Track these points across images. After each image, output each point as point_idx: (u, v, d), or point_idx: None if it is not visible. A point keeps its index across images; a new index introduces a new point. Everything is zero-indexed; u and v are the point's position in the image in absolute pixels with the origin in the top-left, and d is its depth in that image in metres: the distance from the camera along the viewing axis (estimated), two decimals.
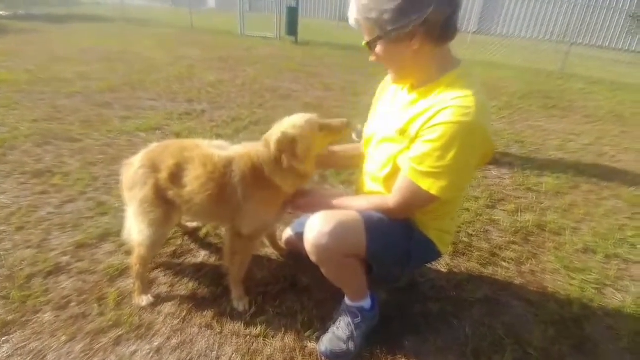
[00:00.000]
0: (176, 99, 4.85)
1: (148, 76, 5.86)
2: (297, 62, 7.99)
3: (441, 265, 2.12)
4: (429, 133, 1.23)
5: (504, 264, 2.18)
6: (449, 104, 1.21)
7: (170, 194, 1.62)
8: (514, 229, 2.50)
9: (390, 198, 1.39)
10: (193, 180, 1.58)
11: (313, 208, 1.49)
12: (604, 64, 11.63)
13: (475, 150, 1.25)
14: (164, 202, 1.63)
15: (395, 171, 1.39)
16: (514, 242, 2.38)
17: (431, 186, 1.26)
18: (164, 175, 1.60)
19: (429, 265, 2.08)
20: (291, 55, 8.89)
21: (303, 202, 1.60)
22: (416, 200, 1.34)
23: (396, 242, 1.41)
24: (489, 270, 2.12)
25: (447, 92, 1.25)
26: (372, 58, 1.35)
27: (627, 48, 18.88)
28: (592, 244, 2.42)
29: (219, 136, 3.70)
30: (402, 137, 1.34)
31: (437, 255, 1.54)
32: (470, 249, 2.27)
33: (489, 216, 2.64)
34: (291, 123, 1.52)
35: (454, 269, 2.10)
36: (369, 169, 1.57)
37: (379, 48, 1.27)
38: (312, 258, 1.38)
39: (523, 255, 2.26)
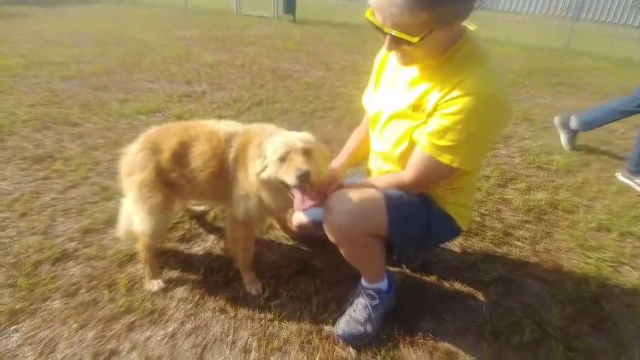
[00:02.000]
0: (175, 81, 4.72)
1: (143, 58, 5.69)
2: (296, 42, 7.77)
3: (454, 245, 2.08)
4: (447, 106, 1.19)
5: (518, 243, 2.15)
6: (465, 75, 1.18)
7: (173, 175, 1.56)
8: (526, 208, 2.46)
9: (406, 173, 1.35)
10: (198, 156, 1.53)
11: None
12: (609, 40, 11.34)
13: (496, 119, 1.24)
14: (165, 186, 1.56)
15: (411, 147, 1.34)
16: (527, 221, 2.34)
17: (452, 159, 1.23)
18: (165, 155, 1.55)
19: (442, 246, 2.05)
20: (289, 35, 8.64)
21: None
22: (435, 174, 1.31)
23: (417, 219, 1.37)
24: (503, 250, 2.09)
25: (460, 63, 1.21)
26: (400, 54, 1.23)
27: (630, 23, 18.43)
28: (606, 222, 2.39)
29: (221, 118, 3.58)
30: (417, 112, 1.29)
31: (456, 231, 1.50)
32: (483, 228, 2.23)
33: (501, 195, 2.59)
34: (289, 142, 1.32)
35: (467, 249, 2.06)
36: (379, 148, 1.51)
37: (423, 41, 1.11)
38: (332, 238, 1.33)
39: (537, 234, 2.22)
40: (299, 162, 1.26)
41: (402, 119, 1.34)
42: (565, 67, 7.16)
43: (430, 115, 1.25)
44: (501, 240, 2.15)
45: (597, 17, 18.79)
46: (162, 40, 7.15)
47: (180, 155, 1.55)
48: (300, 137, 1.36)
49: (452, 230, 1.47)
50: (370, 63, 1.60)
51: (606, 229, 2.34)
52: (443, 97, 1.20)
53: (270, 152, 1.33)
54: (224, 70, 5.34)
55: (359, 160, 1.78)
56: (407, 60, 1.26)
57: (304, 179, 1.23)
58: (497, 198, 2.55)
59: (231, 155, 1.51)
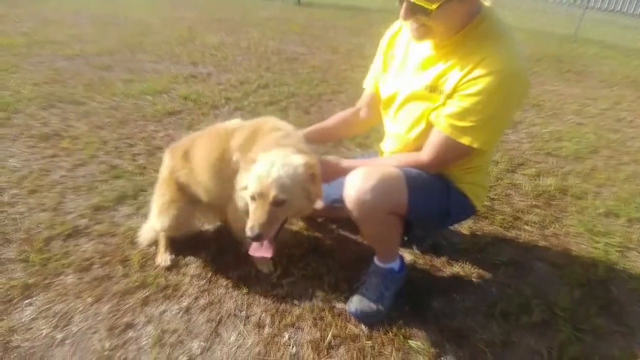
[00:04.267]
0: (179, 62, 4.66)
1: (146, 38, 5.61)
2: (301, 25, 7.65)
3: (464, 228, 2.09)
4: (468, 87, 1.18)
5: (527, 227, 2.15)
6: (486, 53, 1.16)
7: (183, 172, 1.62)
8: (535, 193, 2.45)
9: (424, 154, 1.34)
10: (202, 147, 1.56)
11: (339, 175, 1.43)
12: (617, 29, 11.17)
13: (516, 98, 1.25)
14: (174, 185, 1.66)
15: (428, 129, 1.33)
16: (536, 206, 2.34)
17: (473, 140, 1.23)
18: (179, 154, 1.64)
19: (451, 229, 2.06)
20: (294, 17, 8.50)
21: (325, 171, 1.50)
22: (454, 155, 1.31)
23: (436, 197, 1.37)
24: (512, 234, 2.09)
25: (480, 41, 1.20)
26: (415, 25, 1.21)
27: (638, 13, 18.07)
28: (614, 208, 2.39)
29: (228, 99, 3.57)
30: (433, 93, 1.28)
31: (472, 210, 1.51)
32: (492, 212, 2.23)
33: (510, 180, 2.58)
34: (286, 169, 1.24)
35: (476, 232, 2.07)
36: (394, 130, 1.50)
37: (440, 11, 1.11)
38: (354, 215, 1.32)
39: (546, 219, 2.23)
40: (259, 219, 1.20)
41: (418, 100, 1.33)
42: (574, 54, 7.07)
43: (449, 96, 1.23)
44: (510, 224, 2.16)
45: (605, 6, 18.44)
46: (163, 21, 7.04)
47: (189, 150, 1.62)
48: (281, 175, 1.21)
49: (468, 209, 1.48)
50: (377, 47, 1.59)
51: (614, 214, 2.34)
52: (464, 77, 1.19)
53: (247, 182, 1.26)
54: (229, 52, 5.27)
55: (324, 140, 1.84)
56: (421, 33, 1.23)
57: (254, 240, 1.22)
58: (507, 183, 2.55)
59: (234, 143, 1.46)
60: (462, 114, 1.20)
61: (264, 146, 1.36)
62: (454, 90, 1.20)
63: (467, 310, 1.60)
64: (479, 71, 1.15)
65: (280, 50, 5.58)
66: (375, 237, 1.47)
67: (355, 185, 1.27)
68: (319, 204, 1.85)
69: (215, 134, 1.57)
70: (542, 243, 2.05)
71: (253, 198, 1.24)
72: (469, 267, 1.82)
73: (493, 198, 2.37)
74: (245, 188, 1.32)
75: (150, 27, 6.40)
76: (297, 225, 2.03)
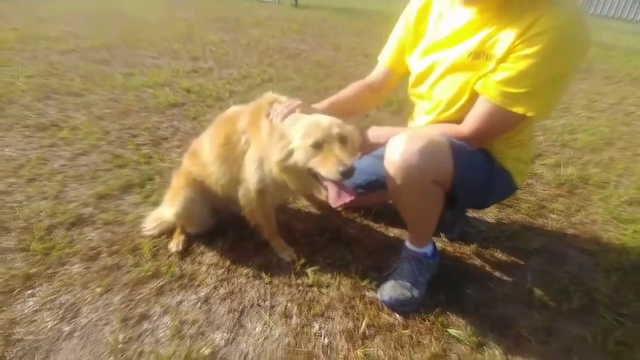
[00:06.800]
0: (179, 57, 4.54)
1: (144, 35, 5.48)
2: (300, 24, 7.58)
3: (489, 216, 2.00)
4: (526, 47, 1.07)
5: (553, 215, 2.07)
6: (544, 10, 1.05)
7: (194, 170, 1.58)
8: (557, 182, 2.38)
9: (466, 126, 1.24)
10: (208, 138, 1.53)
11: (380, 140, 1.34)
12: (613, 32, 11.33)
13: (579, 55, 1.11)
14: (188, 177, 1.59)
15: (470, 102, 1.23)
16: (560, 195, 2.26)
17: (527, 109, 1.12)
18: (189, 153, 1.64)
19: (477, 217, 1.97)
20: (292, 17, 8.44)
21: (366, 140, 1.42)
22: (502, 127, 1.21)
23: (480, 169, 1.28)
24: (539, 222, 2.00)
25: (532, 1, 1.09)
26: None
27: (632, 18, 18.37)
28: (637, 196, 2.32)
29: (232, 92, 3.46)
30: (478, 60, 1.18)
31: (513, 188, 1.42)
32: (516, 201, 2.14)
33: (530, 170, 2.50)
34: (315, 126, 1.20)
35: (503, 220, 1.98)
36: (428, 108, 1.41)
37: None
38: (397, 181, 1.20)
39: (571, 207, 2.15)
40: (340, 155, 1.12)
41: (459, 71, 1.23)
42: None
43: (501, 60, 1.12)
44: (536, 212, 2.07)
45: (597, 11, 18.70)
46: (161, 20, 6.93)
47: (196, 147, 1.60)
48: (332, 121, 1.22)
49: (510, 186, 1.39)
50: (380, 45, 1.56)
51: (638, 203, 2.27)
52: (520, 35, 1.07)
53: (300, 136, 1.18)
54: (229, 48, 5.17)
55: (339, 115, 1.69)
56: None
57: (347, 175, 1.11)
58: (527, 172, 2.47)
59: (240, 126, 1.43)
60: (517, 79, 1.09)
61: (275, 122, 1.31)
62: (509, 51, 1.09)
63: (506, 297, 1.50)
64: (539, 27, 1.04)
65: (281, 47, 5.49)
66: (415, 213, 1.33)
67: (400, 148, 1.16)
68: (348, 199, 1.75)
69: (217, 124, 1.54)
70: (570, 231, 1.96)
71: (317, 146, 1.15)
72: (500, 254, 1.73)
73: None
74: (286, 157, 1.22)
75: (148, 25, 6.28)
76: (317, 211, 1.92)
